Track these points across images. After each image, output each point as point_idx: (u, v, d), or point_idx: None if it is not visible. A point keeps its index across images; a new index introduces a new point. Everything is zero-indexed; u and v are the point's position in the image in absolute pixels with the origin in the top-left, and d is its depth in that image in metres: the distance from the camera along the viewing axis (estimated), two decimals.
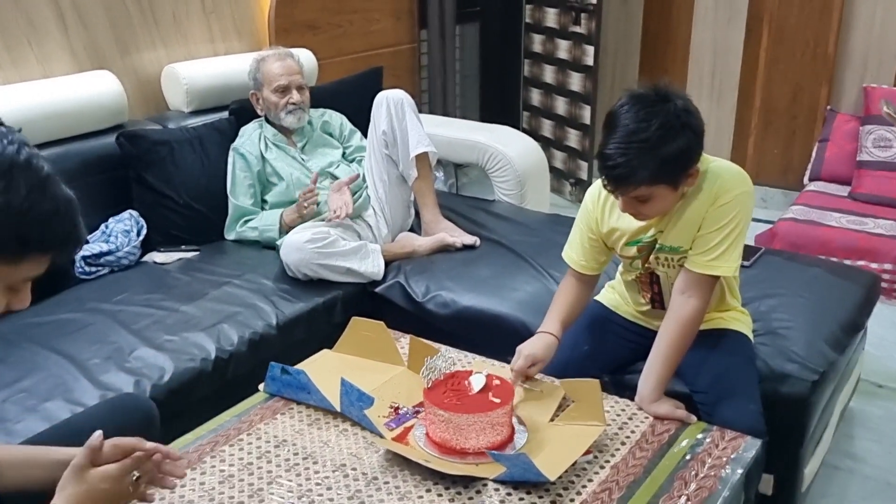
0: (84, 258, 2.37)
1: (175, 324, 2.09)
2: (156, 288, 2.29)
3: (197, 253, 2.54)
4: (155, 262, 2.47)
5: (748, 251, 2.44)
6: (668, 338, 1.71)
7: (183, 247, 2.55)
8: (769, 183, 4.42)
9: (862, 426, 2.45)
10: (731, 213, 1.65)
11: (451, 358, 1.74)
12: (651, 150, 1.54)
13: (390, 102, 2.59)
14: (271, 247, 2.55)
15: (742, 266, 2.28)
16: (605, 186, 1.65)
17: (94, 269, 2.39)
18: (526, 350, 1.76)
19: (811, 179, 4.09)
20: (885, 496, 2.15)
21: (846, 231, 3.49)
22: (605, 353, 1.90)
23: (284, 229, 2.51)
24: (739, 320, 1.89)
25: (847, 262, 3.29)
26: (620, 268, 1.93)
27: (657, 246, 1.76)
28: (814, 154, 4.13)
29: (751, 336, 1.90)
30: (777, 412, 1.80)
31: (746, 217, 1.67)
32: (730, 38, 4.40)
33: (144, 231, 2.51)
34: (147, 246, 2.53)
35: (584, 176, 4.36)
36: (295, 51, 2.81)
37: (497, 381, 1.65)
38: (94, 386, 1.82)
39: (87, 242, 2.43)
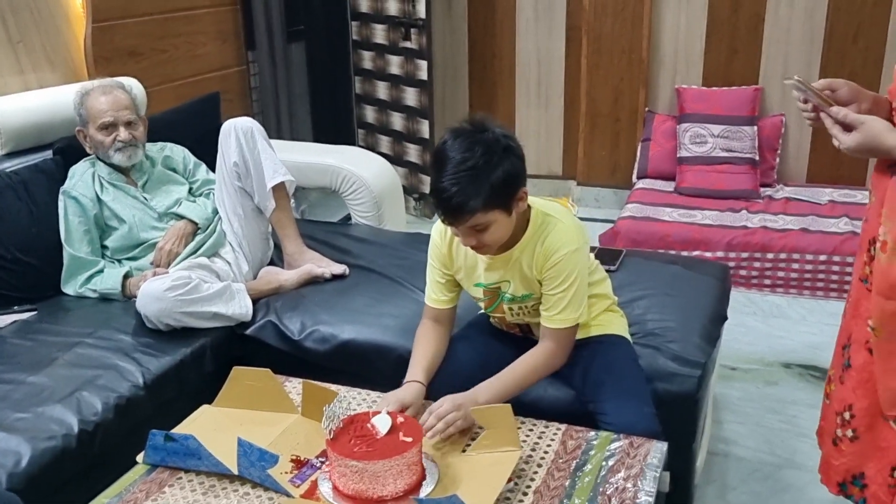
0: None
1: (24, 398, 1.84)
2: None
3: (34, 313, 2.26)
4: None
5: (611, 255, 2.52)
6: (519, 371, 1.76)
7: (16, 307, 2.26)
8: (600, 183, 4.64)
9: (726, 409, 2.60)
10: (564, 272, 1.73)
11: (346, 398, 1.65)
12: (480, 176, 1.59)
13: (239, 132, 2.44)
14: None
15: (608, 271, 2.37)
16: (443, 221, 1.70)
17: None
18: (392, 396, 1.73)
19: (639, 177, 4.34)
20: (761, 474, 2.29)
21: (679, 224, 3.72)
22: (494, 357, 1.89)
23: (128, 293, 2.33)
24: (614, 323, 1.96)
25: (684, 253, 3.51)
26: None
27: (508, 297, 1.82)
28: (638, 153, 4.38)
29: (629, 337, 1.96)
30: (668, 411, 1.85)
31: (582, 270, 1.76)
32: (552, 47, 4.58)
33: None
34: None
35: (427, 190, 4.36)
36: (126, 80, 2.58)
37: (401, 419, 1.59)
38: None
39: None
